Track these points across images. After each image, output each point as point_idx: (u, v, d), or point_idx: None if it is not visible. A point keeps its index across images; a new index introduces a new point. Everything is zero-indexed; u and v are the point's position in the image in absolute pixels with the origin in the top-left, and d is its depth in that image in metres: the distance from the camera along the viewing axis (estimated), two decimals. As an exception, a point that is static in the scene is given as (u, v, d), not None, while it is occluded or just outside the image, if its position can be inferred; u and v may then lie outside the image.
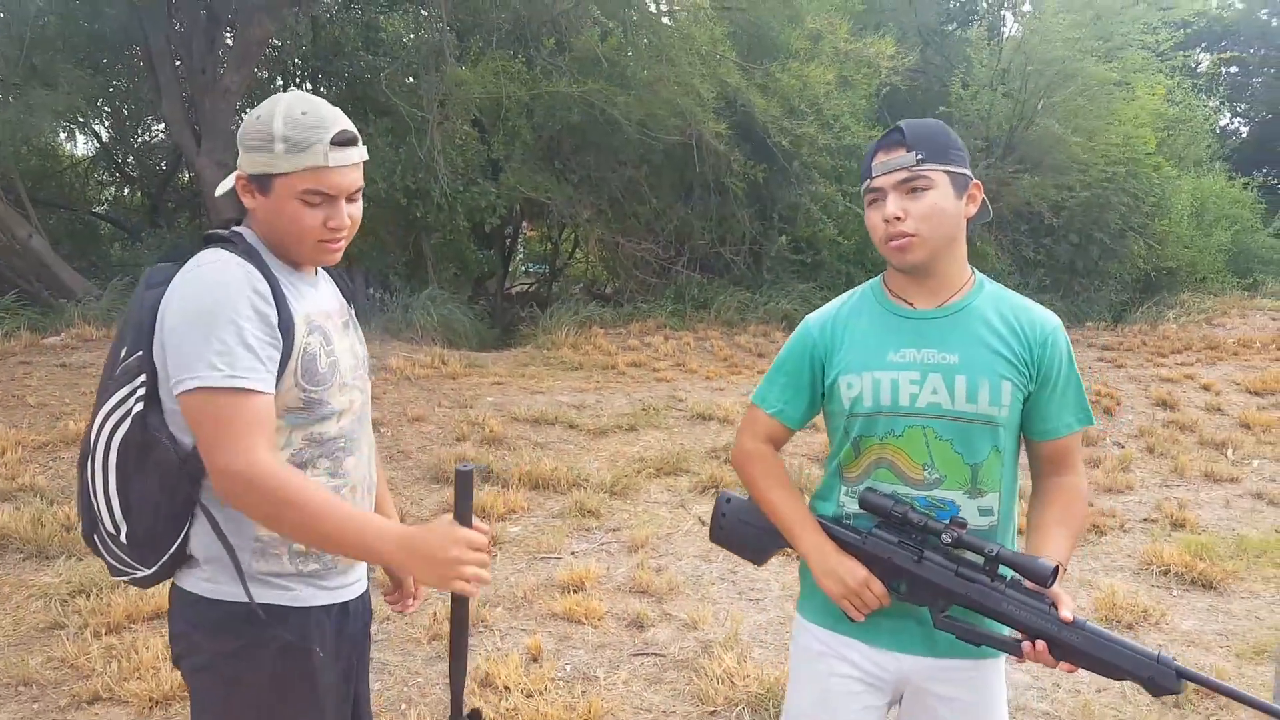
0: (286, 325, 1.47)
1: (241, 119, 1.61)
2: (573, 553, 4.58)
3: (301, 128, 1.46)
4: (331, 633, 1.57)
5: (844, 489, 1.70)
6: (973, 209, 1.65)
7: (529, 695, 3.16)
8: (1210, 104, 20.09)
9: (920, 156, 1.56)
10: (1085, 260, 13.12)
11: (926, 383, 1.60)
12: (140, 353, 1.47)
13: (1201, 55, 23.05)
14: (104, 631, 3.48)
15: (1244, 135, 24.19)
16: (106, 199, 13.79)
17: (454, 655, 1.52)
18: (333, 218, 1.51)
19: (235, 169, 1.54)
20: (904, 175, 1.57)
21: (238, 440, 1.37)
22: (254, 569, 1.49)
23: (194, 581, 1.51)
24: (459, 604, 1.51)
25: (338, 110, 1.52)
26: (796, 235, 11.64)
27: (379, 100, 10.17)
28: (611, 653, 3.58)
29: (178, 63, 9.81)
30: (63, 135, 12.70)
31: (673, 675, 3.41)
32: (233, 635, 1.49)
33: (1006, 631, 1.56)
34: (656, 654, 3.57)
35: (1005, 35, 14.81)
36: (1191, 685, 1.47)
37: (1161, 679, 1.42)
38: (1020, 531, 1.72)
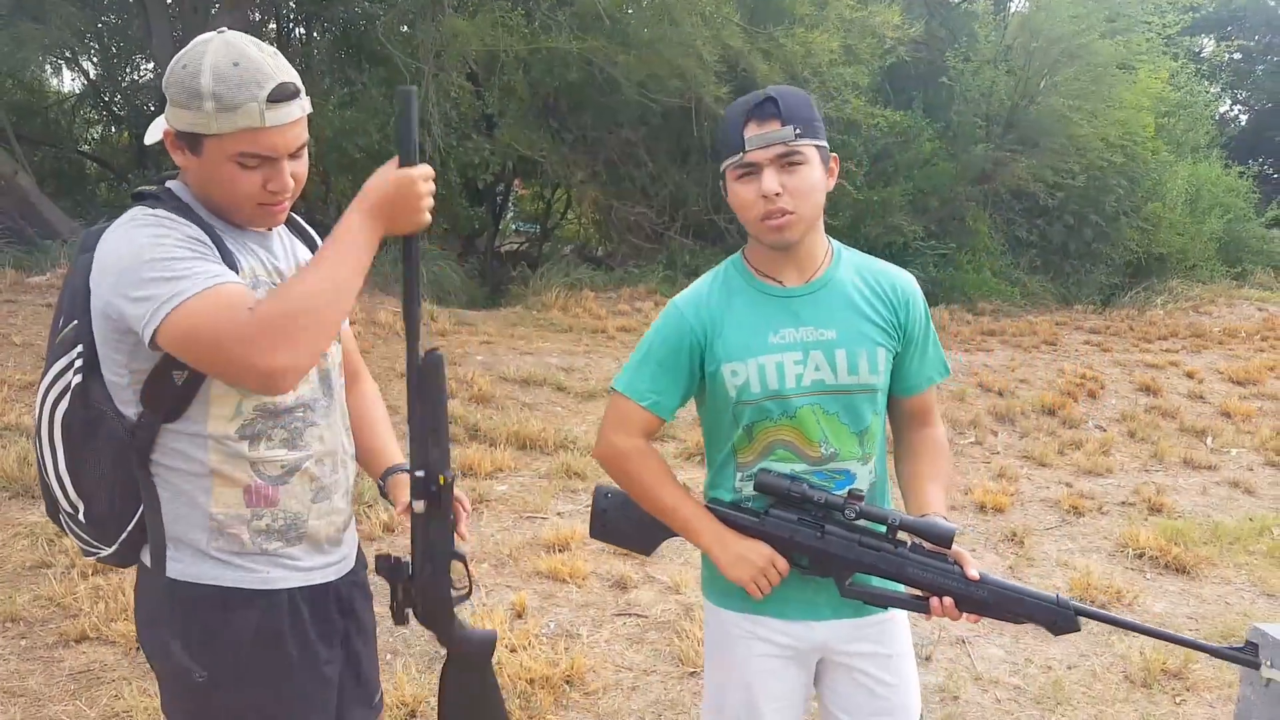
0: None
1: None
2: (558, 513, 4.61)
3: (233, 84, 1.29)
4: (308, 619, 1.47)
5: (739, 474, 1.67)
6: (832, 182, 1.61)
7: (513, 650, 3.20)
8: (1212, 90, 20.05)
9: (797, 130, 1.51)
10: (1078, 243, 13.14)
11: (809, 361, 1.60)
12: (76, 322, 1.36)
13: (1205, 40, 22.97)
14: (90, 572, 3.49)
15: (1243, 123, 24.22)
16: (93, 138, 13.58)
17: (409, 297, 1.45)
18: (273, 179, 1.37)
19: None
20: (781, 150, 1.51)
21: (244, 334, 1.23)
22: (211, 548, 1.40)
23: (155, 561, 1.42)
24: (410, 243, 1.44)
25: (276, 57, 1.36)
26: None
27: (374, 48, 10.01)
28: (595, 612, 3.63)
29: (169, 1, 9.63)
30: (49, 70, 12.47)
31: (654, 636, 3.46)
32: (197, 620, 1.40)
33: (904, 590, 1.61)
34: (639, 614, 3.62)
35: (1011, 10, 14.70)
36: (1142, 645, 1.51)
37: (1063, 620, 1.52)
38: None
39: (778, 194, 1.52)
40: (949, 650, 3.54)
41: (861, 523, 1.56)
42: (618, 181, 11.57)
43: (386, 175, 1.37)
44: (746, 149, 1.52)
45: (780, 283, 1.63)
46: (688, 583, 3.87)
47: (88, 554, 1.48)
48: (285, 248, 1.51)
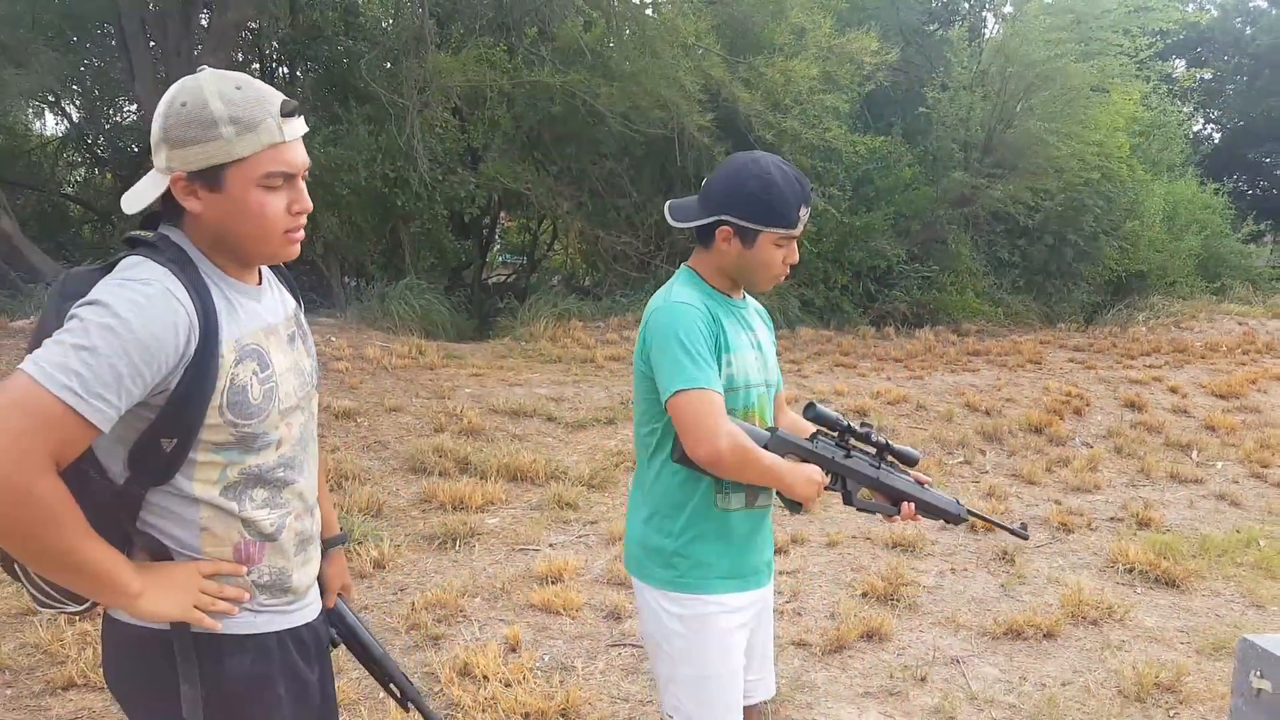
0: (206, 359, 1.31)
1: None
2: (551, 544, 4.60)
3: (246, 104, 1.30)
4: (295, 657, 1.49)
5: None
6: None
7: (507, 684, 3.18)
8: (1184, 110, 20.36)
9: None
10: (1058, 262, 13.26)
11: (758, 358, 1.97)
12: None
13: (1177, 61, 23.38)
14: (77, 618, 3.45)
15: (1216, 141, 24.59)
16: (76, 180, 13.57)
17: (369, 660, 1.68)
18: (296, 200, 1.38)
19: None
20: (798, 233, 1.90)
21: (15, 446, 1.17)
22: None
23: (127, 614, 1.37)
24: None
25: (261, 80, 1.39)
26: (776, 233, 11.68)
27: (358, 86, 10.09)
28: (589, 643, 3.62)
29: (152, 43, 9.68)
30: (31, 114, 12.48)
31: (650, 666, 3.44)
32: (169, 668, 1.37)
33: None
34: (634, 645, 3.61)
35: (986, 36, 14.92)
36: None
37: (961, 514, 2.13)
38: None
39: (794, 263, 1.94)
40: (944, 670, 3.54)
41: (860, 447, 2.01)
42: (603, 212, 11.64)
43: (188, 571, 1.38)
44: (796, 226, 1.88)
45: (732, 297, 1.99)
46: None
47: (44, 606, 1.42)
48: (275, 298, 1.50)
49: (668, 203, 1.95)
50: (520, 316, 10.07)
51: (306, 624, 1.54)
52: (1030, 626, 3.86)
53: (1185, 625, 4.03)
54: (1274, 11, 24.52)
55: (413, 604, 3.75)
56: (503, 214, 13.58)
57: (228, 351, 1.35)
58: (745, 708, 2.03)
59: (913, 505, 2.02)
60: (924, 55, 14.13)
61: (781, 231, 1.87)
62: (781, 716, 3.15)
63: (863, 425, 2.01)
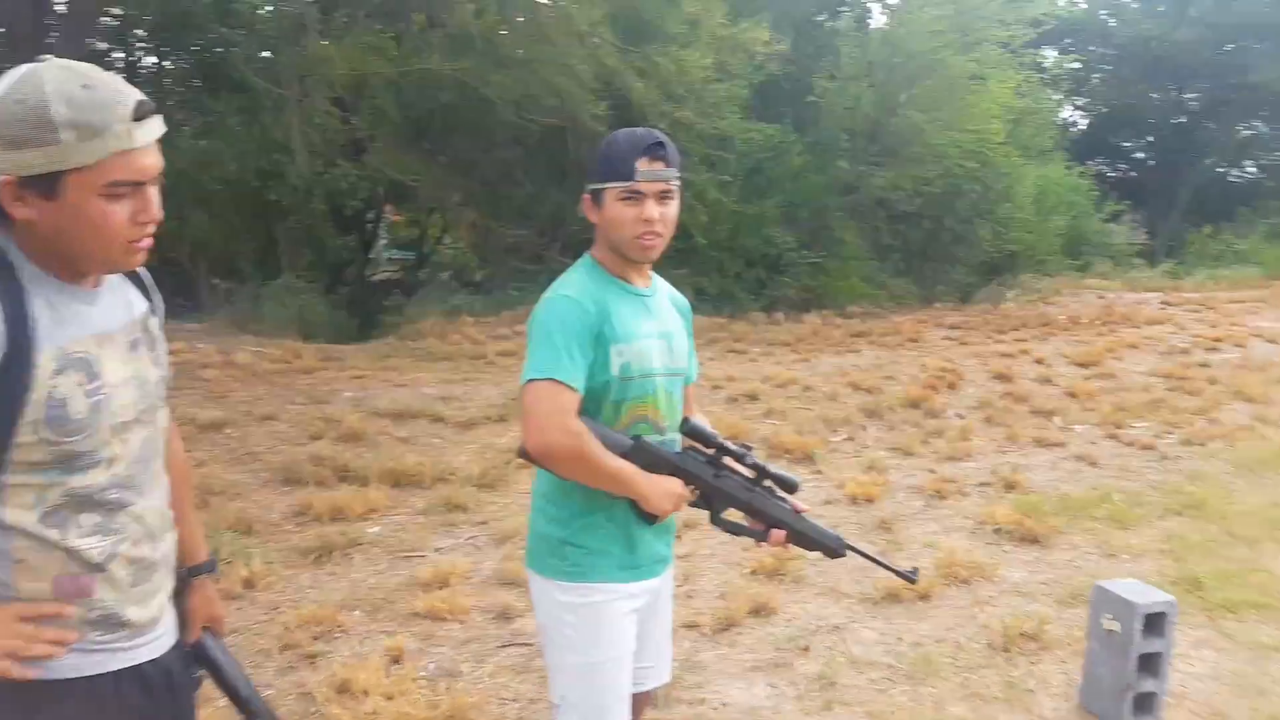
0: (16, 370, 1.20)
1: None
2: (437, 549, 4.47)
3: (92, 107, 1.18)
4: (137, 700, 1.36)
5: None
6: None
7: (390, 698, 3.05)
8: (1054, 97, 21.48)
9: (677, 174, 1.88)
10: (936, 245, 13.85)
11: (661, 347, 1.94)
12: None
13: (1048, 51, 24.59)
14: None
15: (1082, 127, 25.97)
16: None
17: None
18: (143, 209, 1.26)
19: None
20: (663, 187, 1.84)
21: None
22: None
23: None
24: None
25: (117, 76, 1.26)
26: (670, 222, 11.81)
27: (232, 77, 9.73)
28: (478, 647, 3.54)
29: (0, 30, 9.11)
30: None
31: (540, 663, 3.31)
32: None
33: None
34: (525, 644, 3.52)
35: (872, 27, 15.38)
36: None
37: (840, 548, 2.02)
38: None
39: (655, 220, 1.84)
40: (826, 638, 3.66)
41: (737, 467, 1.95)
42: (495, 203, 11.55)
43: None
44: (637, 179, 1.81)
45: (634, 285, 1.95)
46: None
47: None
48: (115, 300, 1.38)
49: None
50: (407, 314, 9.90)
51: (153, 660, 1.40)
52: (907, 591, 4.01)
53: (1047, 578, 4.29)
54: (1135, 5, 25.99)
55: (286, 623, 3.58)
56: (388, 207, 13.31)
57: (46, 361, 1.23)
58: (636, 694, 2.02)
59: (784, 534, 1.96)
60: (814, 45, 14.47)
61: (621, 185, 1.82)
62: (672, 699, 3.16)
63: (741, 446, 1.94)
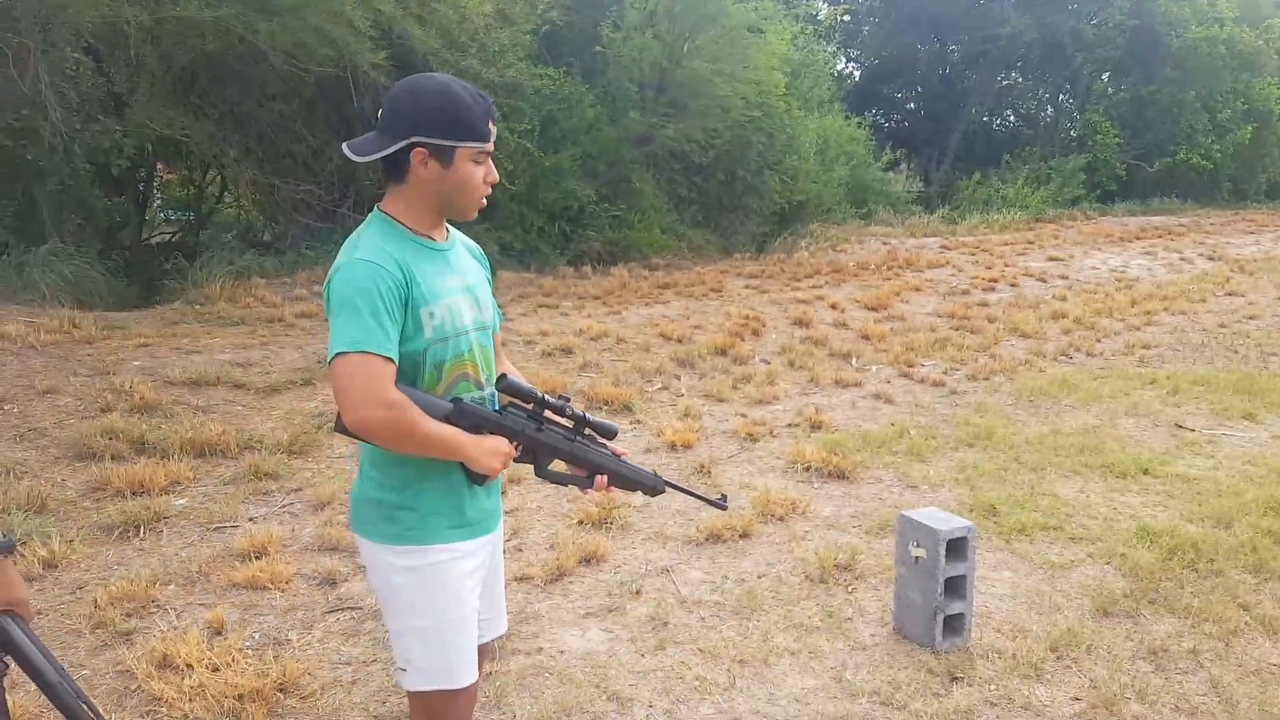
0: None
1: None
2: (251, 519, 4.32)
3: None
4: None
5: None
6: None
7: (215, 669, 2.98)
8: (829, 49, 22.53)
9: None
10: (730, 196, 14.29)
11: (468, 301, 1.91)
12: None
13: (821, 3, 25.71)
14: None
15: (856, 79, 27.41)
16: None
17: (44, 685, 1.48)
18: None
19: None
20: (491, 148, 1.85)
21: None
22: None
23: None
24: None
25: None
26: (465, 174, 11.50)
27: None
28: (303, 614, 3.47)
29: None
30: None
31: (371, 625, 3.37)
32: None
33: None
34: (352, 608, 3.51)
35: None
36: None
37: (659, 485, 2.15)
38: None
39: (493, 181, 1.86)
40: (655, 581, 3.79)
41: (558, 420, 1.98)
42: (276, 159, 10.78)
43: None
44: (489, 141, 1.82)
45: (435, 240, 1.89)
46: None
47: None
48: None
49: (345, 144, 1.81)
50: (192, 278, 9.13)
51: None
52: (728, 530, 4.22)
53: (856, 511, 4.61)
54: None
55: (95, 600, 3.39)
56: (160, 165, 12.18)
57: None
58: (478, 646, 2.04)
59: (606, 478, 2.03)
60: (598, -7, 14.37)
61: (476, 146, 1.81)
62: (509, 650, 3.21)
63: (559, 398, 1.98)
